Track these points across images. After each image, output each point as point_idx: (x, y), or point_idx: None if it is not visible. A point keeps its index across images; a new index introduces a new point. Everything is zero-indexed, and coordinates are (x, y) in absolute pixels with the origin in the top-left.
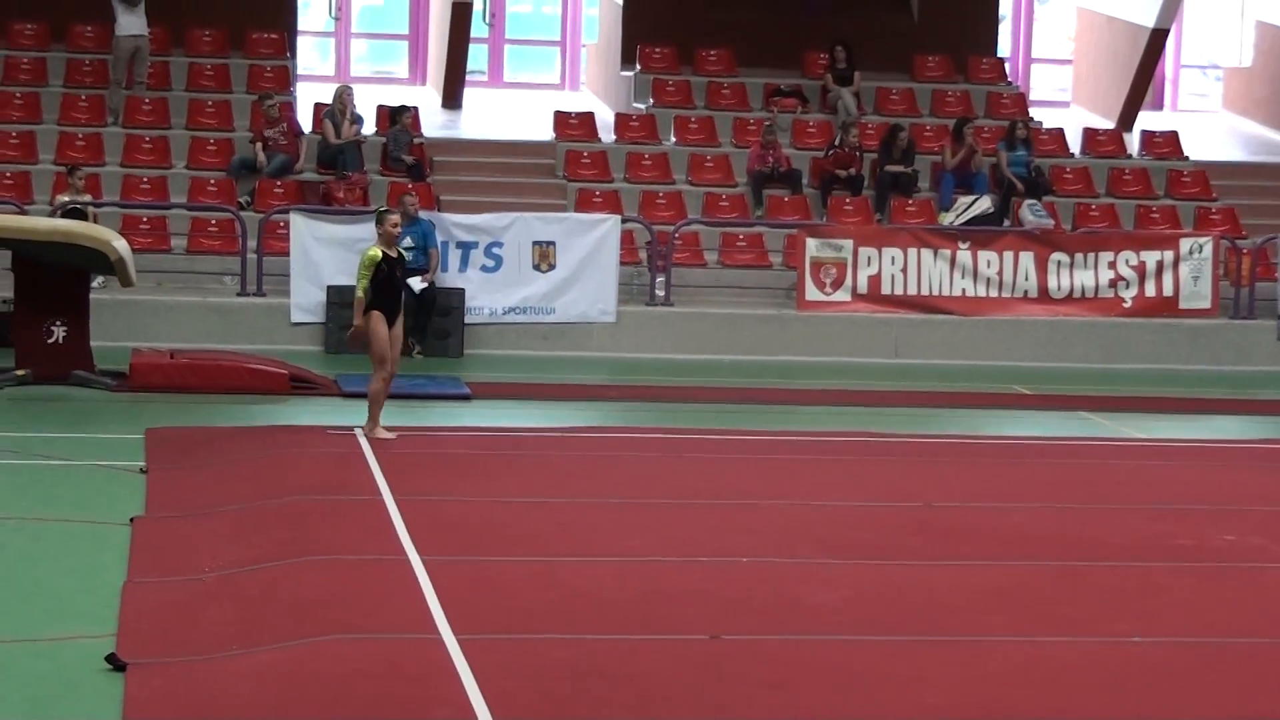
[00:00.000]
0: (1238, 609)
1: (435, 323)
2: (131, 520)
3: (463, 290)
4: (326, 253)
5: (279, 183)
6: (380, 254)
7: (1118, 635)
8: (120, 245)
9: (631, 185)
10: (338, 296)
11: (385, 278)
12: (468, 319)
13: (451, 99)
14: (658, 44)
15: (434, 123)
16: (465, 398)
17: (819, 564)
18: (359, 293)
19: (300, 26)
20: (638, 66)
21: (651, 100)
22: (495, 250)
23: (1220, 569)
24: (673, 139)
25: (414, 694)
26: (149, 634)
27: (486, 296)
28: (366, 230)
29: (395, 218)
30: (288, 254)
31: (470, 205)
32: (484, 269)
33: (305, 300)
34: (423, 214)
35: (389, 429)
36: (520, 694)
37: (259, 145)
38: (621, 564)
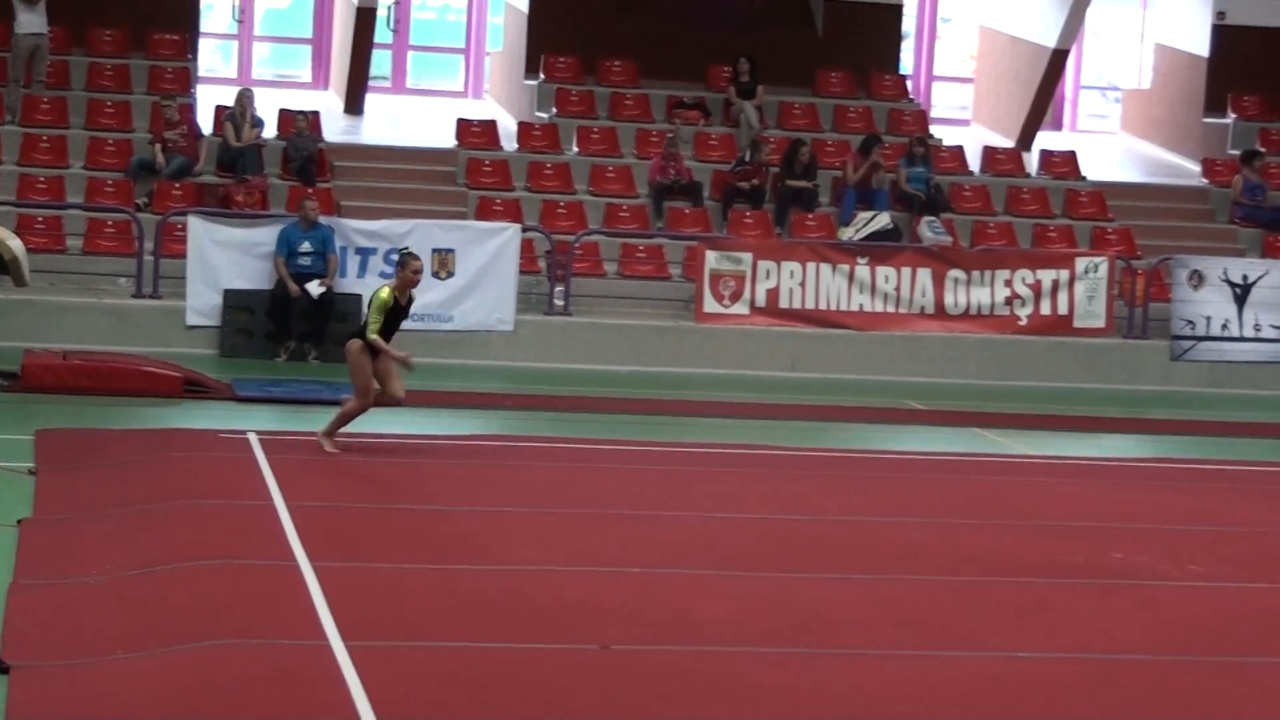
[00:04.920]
0: (1126, 625)
1: (333, 328)
2: (19, 522)
3: (361, 296)
4: (224, 256)
5: (177, 185)
6: (393, 299)
7: (1008, 650)
8: (15, 245)
9: (532, 194)
10: (234, 300)
11: (388, 321)
12: None
13: (354, 104)
14: (562, 54)
15: (336, 127)
16: None
17: (711, 575)
18: (371, 334)
19: (202, 28)
20: (541, 76)
21: (554, 110)
22: (394, 257)
23: (1109, 585)
24: (575, 149)
25: (301, 700)
26: (34, 637)
27: None
28: (264, 234)
29: (418, 264)
30: (185, 256)
31: (370, 211)
32: (383, 275)
33: (201, 304)
34: (322, 219)
35: (338, 444)
36: (409, 701)
37: (158, 146)
38: (514, 573)
